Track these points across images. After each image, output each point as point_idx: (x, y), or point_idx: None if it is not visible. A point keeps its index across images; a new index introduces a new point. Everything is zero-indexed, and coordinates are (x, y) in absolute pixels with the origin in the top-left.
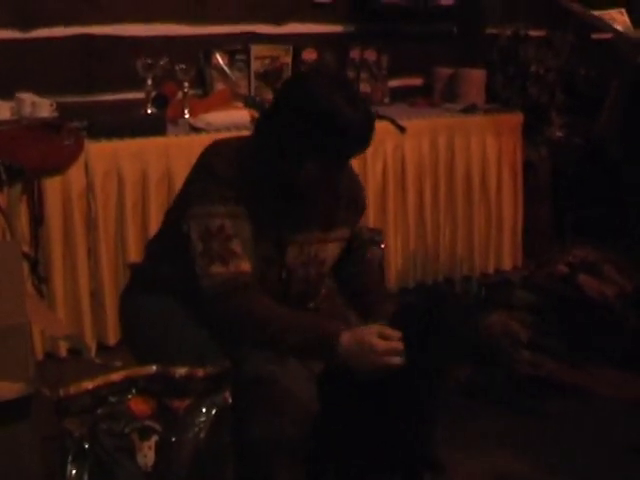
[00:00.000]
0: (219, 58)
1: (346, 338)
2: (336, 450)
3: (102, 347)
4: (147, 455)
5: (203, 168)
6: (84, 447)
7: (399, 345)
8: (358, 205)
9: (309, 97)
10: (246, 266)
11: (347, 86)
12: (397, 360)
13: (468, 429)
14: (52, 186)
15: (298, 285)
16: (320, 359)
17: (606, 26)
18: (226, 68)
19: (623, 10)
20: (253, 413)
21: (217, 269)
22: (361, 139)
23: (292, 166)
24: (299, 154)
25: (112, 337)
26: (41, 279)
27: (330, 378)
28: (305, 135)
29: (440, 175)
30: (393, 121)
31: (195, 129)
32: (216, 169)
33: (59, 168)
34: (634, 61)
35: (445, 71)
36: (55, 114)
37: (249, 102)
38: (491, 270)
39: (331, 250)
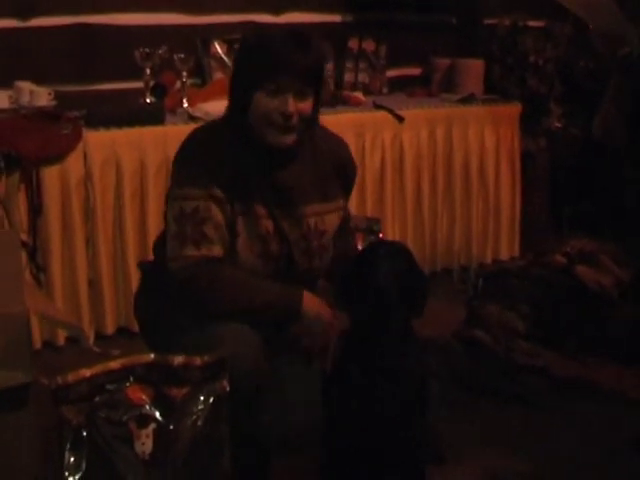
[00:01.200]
0: (218, 47)
1: (307, 295)
2: (341, 446)
3: (100, 336)
4: (145, 443)
5: (179, 154)
6: (82, 435)
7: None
8: (347, 170)
9: (248, 38)
10: (218, 251)
11: (293, 31)
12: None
13: (465, 422)
14: (50, 175)
15: (302, 259)
16: (285, 315)
17: (585, 16)
18: (225, 57)
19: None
20: (256, 405)
21: (189, 251)
22: (291, 56)
23: (244, 108)
24: (245, 91)
25: (110, 326)
26: (39, 268)
27: (336, 379)
28: (245, 67)
29: (438, 165)
30: (391, 111)
31: (193, 118)
32: (192, 153)
33: (57, 157)
34: (612, 54)
35: (443, 61)
36: (53, 103)
37: None
38: (489, 260)
39: (330, 221)
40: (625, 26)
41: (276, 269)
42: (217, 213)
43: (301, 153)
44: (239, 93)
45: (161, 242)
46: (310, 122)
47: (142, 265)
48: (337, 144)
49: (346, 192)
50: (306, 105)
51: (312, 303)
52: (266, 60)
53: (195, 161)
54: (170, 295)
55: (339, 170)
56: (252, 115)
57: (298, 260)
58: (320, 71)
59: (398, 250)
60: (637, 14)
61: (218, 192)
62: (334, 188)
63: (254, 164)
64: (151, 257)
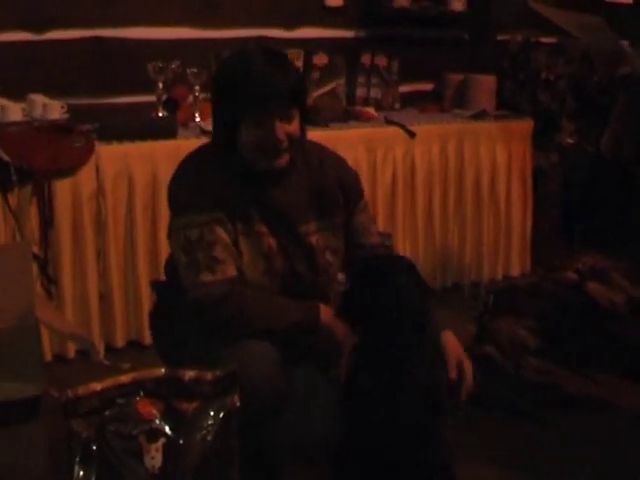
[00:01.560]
0: None
1: (324, 309)
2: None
3: (110, 349)
4: (154, 457)
5: (173, 184)
6: (92, 448)
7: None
8: (347, 188)
9: (221, 68)
10: (232, 271)
11: (266, 51)
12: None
13: (474, 438)
14: (62, 188)
15: (308, 275)
16: (305, 330)
17: (580, 36)
18: None
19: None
20: (270, 420)
21: (205, 278)
22: (271, 83)
23: (231, 140)
24: (230, 124)
25: (120, 339)
26: (50, 280)
27: (349, 391)
28: (225, 100)
29: (450, 181)
30: (403, 126)
31: (205, 132)
32: (186, 180)
33: (69, 170)
34: (610, 70)
35: (456, 77)
36: (66, 116)
37: None
38: (499, 276)
39: (330, 236)
40: (620, 46)
41: (283, 286)
42: (222, 234)
43: (294, 170)
44: (222, 125)
45: (172, 262)
46: (299, 140)
47: (155, 285)
48: (331, 159)
49: (352, 201)
50: (293, 126)
51: (329, 316)
52: (247, 91)
53: (190, 188)
54: (187, 316)
55: (339, 185)
56: (240, 145)
57: (304, 276)
58: (301, 88)
59: (402, 263)
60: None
61: (219, 214)
62: (332, 204)
63: (247, 186)
64: (163, 274)
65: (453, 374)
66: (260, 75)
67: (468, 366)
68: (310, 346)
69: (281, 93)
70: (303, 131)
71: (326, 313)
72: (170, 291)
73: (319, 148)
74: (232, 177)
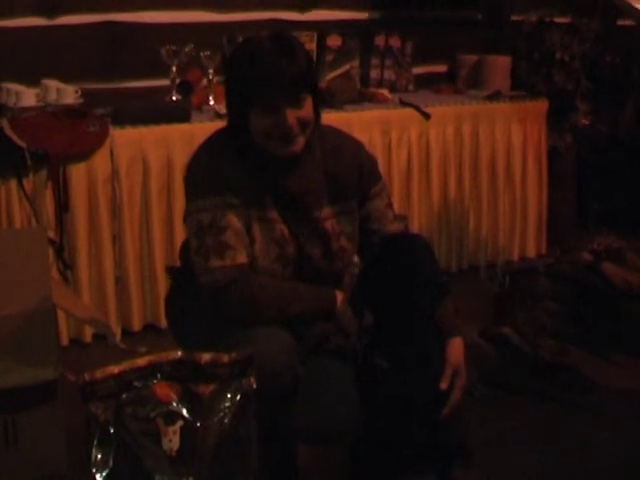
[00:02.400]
0: None
1: (339, 294)
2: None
3: (127, 333)
4: (172, 440)
5: (188, 171)
6: (109, 431)
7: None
8: (364, 172)
9: (233, 55)
10: (242, 257)
11: (275, 37)
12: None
13: (493, 419)
14: (77, 172)
15: (322, 262)
16: (320, 315)
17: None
18: None
19: None
20: (286, 404)
21: (214, 263)
22: (278, 70)
23: (243, 127)
24: (240, 111)
25: (137, 323)
26: (66, 265)
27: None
28: (234, 88)
29: (465, 162)
30: (417, 108)
31: (220, 116)
32: (200, 167)
33: (84, 155)
34: None
35: (470, 58)
36: (80, 101)
37: None
38: (515, 257)
39: (345, 221)
40: None
41: (295, 272)
42: (234, 220)
43: (309, 155)
44: (235, 112)
45: (186, 247)
46: (314, 124)
47: (171, 270)
48: (348, 143)
49: (369, 185)
50: (305, 111)
51: (344, 301)
52: (253, 79)
53: (205, 174)
54: (202, 301)
55: (355, 169)
56: (252, 132)
57: (318, 263)
58: (310, 72)
59: (420, 242)
60: None
61: (232, 199)
62: (347, 189)
63: (262, 171)
64: (178, 258)
65: (444, 385)
66: (267, 62)
67: (462, 382)
68: (324, 332)
69: (289, 79)
70: (317, 115)
71: (342, 297)
72: (185, 276)
73: (336, 132)
74: (247, 162)
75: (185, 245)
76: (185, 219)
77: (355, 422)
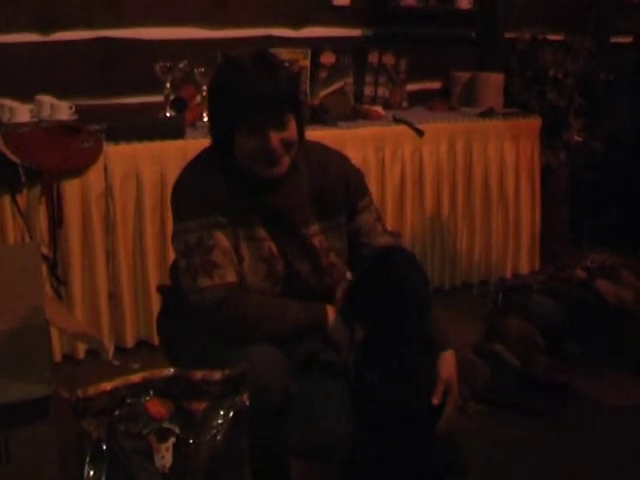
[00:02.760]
0: None
1: (330, 309)
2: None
3: (120, 349)
4: (164, 457)
5: (175, 191)
6: (102, 448)
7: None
8: (351, 186)
9: (215, 74)
10: (231, 276)
11: (256, 57)
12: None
13: (484, 435)
14: (71, 188)
15: (312, 278)
16: (312, 332)
17: None
18: None
19: None
20: (279, 422)
21: (203, 282)
22: (261, 91)
23: (227, 148)
24: (224, 132)
25: (130, 339)
26: (60, 281)
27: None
28: (218, 109)
29: (458, 179)
30: (411, 125)
31: None
32: (187, 186)
33: (78, 170)
34: None
35: (463, 75)
36: (74, 117)
37: None
38: (509, 274)
39: (333, 237)
40: None
41: (285, 289)
42: (222, 239)
43: (295, 173)
44: (218, 134)
45: (176, 267)
46: (298, 143)
47: (162, 289)
48: (334, 158)
49: (356, 199)
50: (289, 132)
51: (336, 316)
52: (236, 103)
53: (191, 194)
54: (193, 320)
55: (342, 184)
56: (237, 154)
57: (308, 279)
58: (293, 91)
59: (405, 255)
60: None
61: (220, 218)
62: (334, 204)
63: (248, 190)
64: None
65: (436, 400)
66: (250, 85)
67: (454, 396)
68: (315, 349)
69: (272, 102)
70: (301, 133)
71: (332, 313)
72: (176, 295)
73: (321, 148)
74: (233, 181)
75: (175, 264)
76: (173, 239)
77: (348, 437)
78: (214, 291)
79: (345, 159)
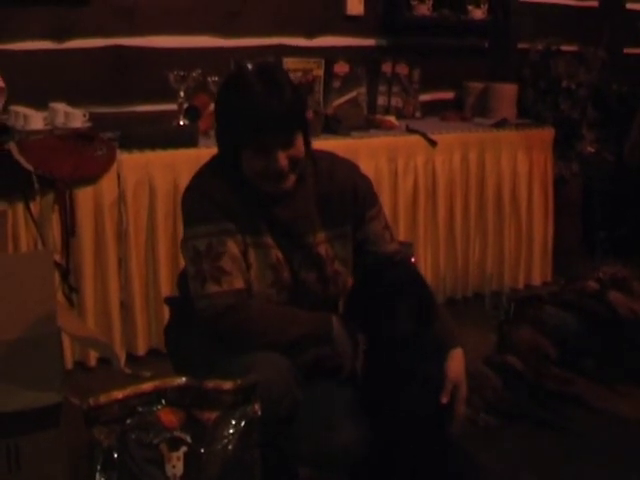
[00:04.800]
0: None
1: (335, 319)
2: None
3: (131, 357)
4: (176, 466)
5: (185, 198)
6: (113, 457)
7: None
8: (359, 194)
9: (220, 92)
10: (239, 283)
11: (261, 73)
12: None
13: (495, 447)
14: (84, 196)
15: (317, 286)
16: (317, 341)
17: None
18: None
19: None
20: (287, 430)
21: (211, 289)
22: (269, 115)
23: (234, 164)
24: (232, 148)
25: (142, 347)
26: (72, 288)
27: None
28: (225, 126)
29: (471, 189)
30: (424, 135)
31: None
32: (197, 194)
33: (91, 178)
34: None
35: (476, 85)
36: (88, 124)
37: None
38: (521, 285)
39: (339, 246)
40: None
41: (291, 297)
42: (231, 245)
43: (301, 183)
44: (225, 149)
45: (184, 277)
46: (305, 157)
47: (169, 300)
48: (342, 166)
49: (365, 207)
50: (296, 149)
51: (341, 326)
52: (244, 123)
53: (201, 201)
54: (200, 329)
55: (349, 192)
56: (243, 170)
57: (313, 287)
58: (298, 106)
59: (404, 262)
60: None
61: (229, 225)
62: (341, 212)
63: (257, 200)
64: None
65: (445, 399)
66: (256, 107)
67: (463, 394)
68: (321, 358)
69: (279, 123)
70: (308, 145)
71: (338, 322)
72: (183, 306)
73: (329, 156)
74: (241, 189)
75: (183, 274)
76: (182, 245)
77: (359, 443)
78: (222, 297)
79: (353, 167)
